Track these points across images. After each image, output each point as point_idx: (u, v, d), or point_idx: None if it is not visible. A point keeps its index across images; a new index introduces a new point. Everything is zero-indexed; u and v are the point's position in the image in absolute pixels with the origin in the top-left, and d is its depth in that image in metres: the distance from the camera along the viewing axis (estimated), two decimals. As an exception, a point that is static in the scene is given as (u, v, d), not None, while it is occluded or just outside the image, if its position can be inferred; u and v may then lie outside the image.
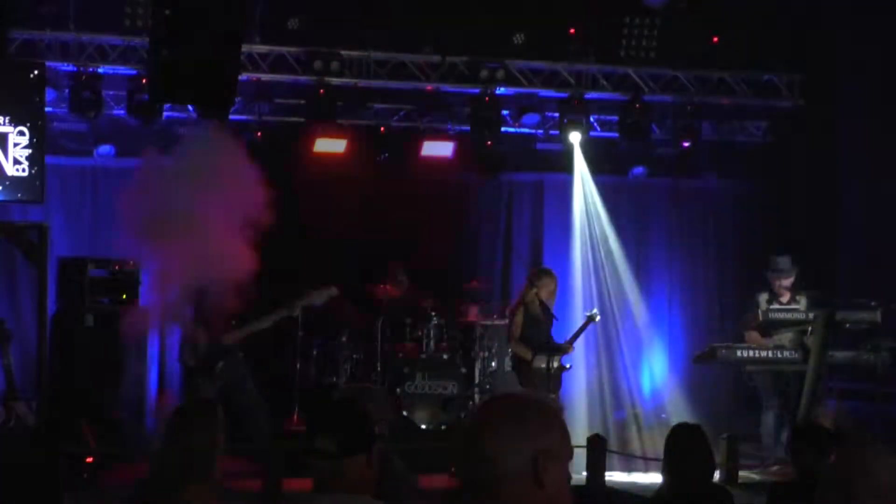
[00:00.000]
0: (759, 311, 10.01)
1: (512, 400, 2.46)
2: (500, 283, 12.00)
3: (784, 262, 10.21)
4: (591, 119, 12.01)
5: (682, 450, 4.91)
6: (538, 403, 2.44)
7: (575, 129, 11.66)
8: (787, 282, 10.11)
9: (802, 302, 10.08)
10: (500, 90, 11.65)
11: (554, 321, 9.68)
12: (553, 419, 2.42)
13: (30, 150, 9.37)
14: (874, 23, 10.65)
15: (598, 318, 9.82)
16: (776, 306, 10.01)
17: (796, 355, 9.87)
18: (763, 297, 10.18)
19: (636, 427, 11.11)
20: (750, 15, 11.09)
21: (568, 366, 9.82)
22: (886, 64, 10.62)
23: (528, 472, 2.33)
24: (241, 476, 7.89)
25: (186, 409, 4.51)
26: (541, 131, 12.26)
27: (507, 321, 10.09)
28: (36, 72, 9.11)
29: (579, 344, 9.96)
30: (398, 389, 10.29)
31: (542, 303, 9.62)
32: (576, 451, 8.68)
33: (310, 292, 8.93)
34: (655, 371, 12.39)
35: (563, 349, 9.58)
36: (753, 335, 10.12)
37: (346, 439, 3.22)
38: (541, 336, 9.52)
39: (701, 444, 4.91)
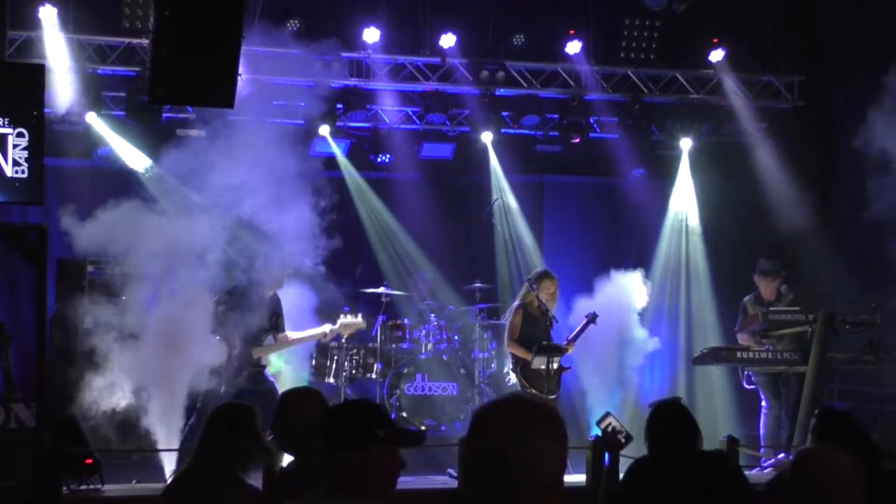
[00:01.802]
0: (754, 314, 10.03)
1: (532, 405, 2.44)
2: (500, 284, 12.00)
3: (770, 265, 10.26)
4: (591, 120, 12.03)
5: (662, 423, 4.87)
6: (551, 408, 2.45)
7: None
8: (774, 285, 10.17)
9: (787, 298, 10.14)
10: (500, 91, 11.68)
11: (554, 323, 9.69)
12: (563, 423, 2.43)
13: (29, 152, 9.35)
14: (870, 21, 10.66)
15: (597, 318, 9.83)
16: (774, 308, 10.03)
17: (796, 356, 9.88)
18: (749, 301, 10.23)
19: (636, 428, 11.10)
20: (749, 16, 11.10)
21: (568, 367, 9.84)
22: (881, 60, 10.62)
23: (553, 477, 2.34)
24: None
25: (228, 412, 4.58)
26: (540, 132, 12.28)
27: (506, 321, 10.09)
28: (35, 73, 9.08)
29: (579, 344, 9.96)
30: (398, 390, 10.30)
31: (541, 304, 9.63)
32: (576, 451, 8.71)
33: (344, 323, 9.26)
34: (655, 372, 12.39)
35: (564, 349, 9.61)
36: (745, 338, 10.14)
37: (336, 437, 3.19)
38: (539, 337, 9.53)
39: (681, 417, 4.87)
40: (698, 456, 4.97)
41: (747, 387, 10.14)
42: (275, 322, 8.97)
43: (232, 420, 4.49)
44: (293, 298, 9.51)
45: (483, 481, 2.36)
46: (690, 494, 4.80)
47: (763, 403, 10.06)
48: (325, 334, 9.17)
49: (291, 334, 9.08)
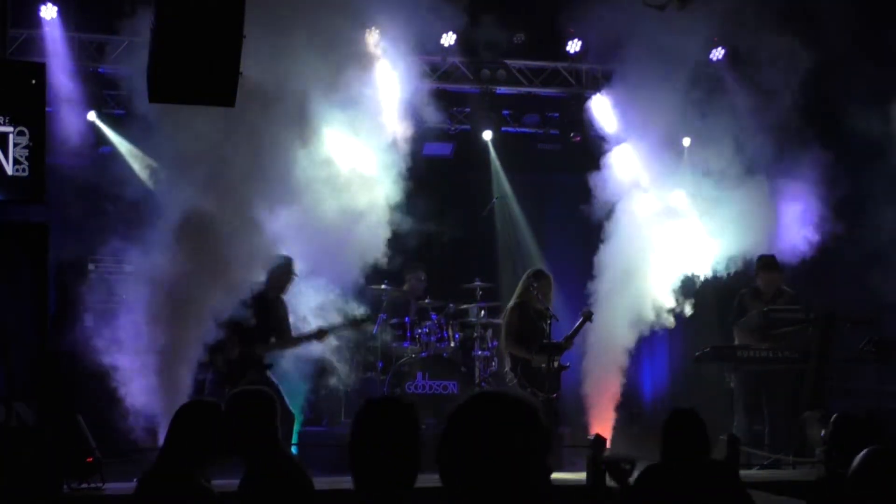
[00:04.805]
0: (754, 311, 10.03)
1: (507, 402, 2.43)
2: (500, 282, 12.00)
3: (770, 261, 10.26)
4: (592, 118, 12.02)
5: (678, 435, 4.98)
6: (527, 403, 2.44)
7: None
8: (775, 278, 10.17)
9: (785, 296, 10.14)
10: (501, 90, 11.68)
11: (553, 322, 9.68)
12: (539, 418, 2.43)
13: (30, 150, 9.35)
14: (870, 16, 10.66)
15: (593, 315, 9.81)
16: (775, 306, 10.03)
17: (796, 354, 9.87)
18: (746, 294, 10.23)
19: (636, 427, 11.10)
20: (749, 14, 11.08)
21: (567, 365, 9.83)
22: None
23: (535, 474, 2.35)
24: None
25: (192, 410, 4.58)
26: (541, 131, 12.28)
27: (503, 322, 10.09)
28: (37, 71, 9.10)
29: (578, 343, 9.94)
30: (398, 388, 10.30)
31: (538, 303, 9.63)
32: (576, 450, 8.72)
33: (346, 325, 9.36)
34: (656, 371, 12.39)
35: (563, 346, 9.58)
36: (741, 334, 10.14)
37: None
38: (537, 336, 9.52)
39: (697, 430, 4.97)
40: (706, 465, 5.03)
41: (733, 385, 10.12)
42: (278, 324, 9.03)
43: (195, 419, 4.46)
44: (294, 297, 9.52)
45: (463, 482, 2.34)
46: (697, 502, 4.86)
47: (735, 405, 10.00)
48: (315, 335, 9.17)
49: (290, 337, 9.15)
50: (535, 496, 2.34)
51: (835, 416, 5.47)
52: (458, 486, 2.35)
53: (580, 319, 9.79)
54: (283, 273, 9.09)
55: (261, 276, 9.03)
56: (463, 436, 2.36)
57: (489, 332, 10.84)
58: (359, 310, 9.52)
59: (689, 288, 11.03)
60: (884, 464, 3.56)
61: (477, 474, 2.32)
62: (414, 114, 10.45)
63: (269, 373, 8.96)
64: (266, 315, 8.97)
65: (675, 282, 10.95)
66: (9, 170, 8.97)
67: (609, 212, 10.93)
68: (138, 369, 8.56)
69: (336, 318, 9.35)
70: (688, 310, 10.97)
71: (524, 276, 10.01)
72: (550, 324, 9.62)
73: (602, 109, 11.53)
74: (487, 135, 11.98)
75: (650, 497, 5.01)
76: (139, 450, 8.59)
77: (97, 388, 8.70)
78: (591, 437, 8.36)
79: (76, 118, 10.57)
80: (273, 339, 9.03)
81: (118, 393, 8.64)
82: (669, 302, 10.88)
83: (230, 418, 4.46)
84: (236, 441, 4.44)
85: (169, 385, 8.48)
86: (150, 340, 8.50)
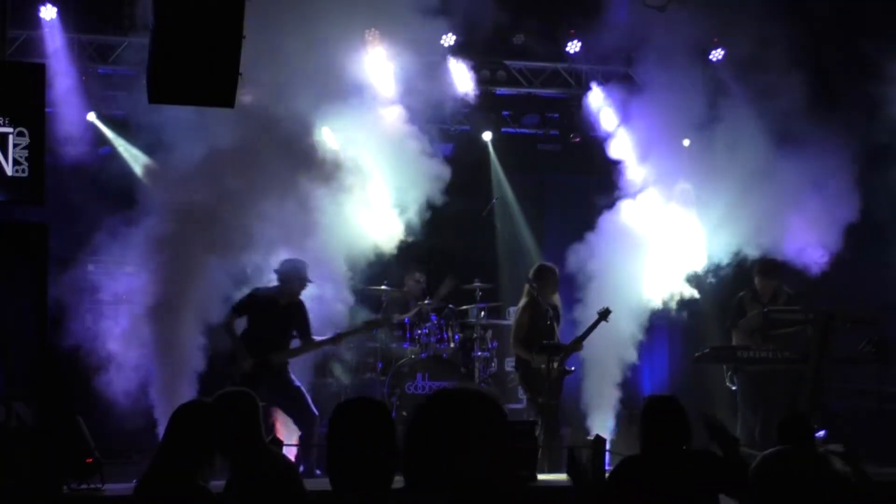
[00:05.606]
0: (755, 313, 10.03)
1: (466, 399, 2.43)
2: (500, 283, 12.00)
3: (770, 264, 10.26)
4: (592, 119, 12.02)
5: (657, 421, 4.94)
6: (487, 401, 2.45)
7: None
8: (773, 284, 10.17)
9: (784, 296, 10.14)
10: (501, 90, 11.68)
11: (559, 322, 9.63)
12: (497, 416, 2.43)
13: (30, 151, 9.34)
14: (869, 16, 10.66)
15: (610, 314, 9.44)
16: (774, 307, 10.02)
17: (796, 355, 9.86)
18: (746, 297, 10.23)
19: (637, 427, 11.08)
20: (749, 14, 11.08)
21: (572, 369, 9.64)
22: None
23: (494, 473, 2.35)
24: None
25: (189, 412, 4.58)
26: (541, 132, 12.28)
27: (507, 321, 10.06)
28: (36, 72, 9.11)
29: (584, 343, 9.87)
30: (398, 389, 10.29)
31: (545, 300, 9.55)
32: (577, 451, 8.68)
33: (359, 329, 9.51)
34: (656, 371, 12.38)
35: (572, 348, 9.43)
36: (742, 337, 10.13)
37: None
38: (545, 336, 9.39)
39: (676, 416, 4.92)
40: (689, 455, 5.00)
41: (733, 387, 10.10)
42: (297, 327, 8.98)
43: (191, 421, 4.45)
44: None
45: (421, 477, 2.34)
46: (677, 493, 4.84)
47: (739, 408, 9.99)
48: (332, 339, 9.20)
49: (312, 340, 9.11)
50: (497, 493, 2.35)
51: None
52: (423, 485, 2.35)
53: (595, 318, 9.45)
54: (295, 278, 9.00)
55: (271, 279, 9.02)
56: (423, 435, 2.36)
57: (489, 333, 10.83)
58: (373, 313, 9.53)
59: (689, 287, 11.02)
60: (772, 463, 3.60)
61: (439, 472, 2.32)
62: (415, 114, 10.45)
63: (291, 377, 8.90)
64: (279, 322, 8.90)
65: (675, 281, 10.94)
66: (8, 170, 8.97)
67: (608, 210, 10.92)
68: (138, 369, 8.56)
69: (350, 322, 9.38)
70: (687, 312, 10.97)
71: (528, 274, 9.97)
72: (552, 323, 9.55)
73: (599, 104, 11.52)
74: (487, 135, 11.98)
75: (628, 489, 4.98)
76: (139, 450, 8.59)
77: (97, 388, 8.69)
78: (591, 438, 8.37)
79: (76, 118, 10.57)
80: (293, 346, 8.97)
81: (118, 393, 8.64)
82: (670, 302, 10.88)
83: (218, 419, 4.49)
84: (221, 442, 4.46)
85: (169, 386, 8.47)
86: (151, 340, 8.49)
